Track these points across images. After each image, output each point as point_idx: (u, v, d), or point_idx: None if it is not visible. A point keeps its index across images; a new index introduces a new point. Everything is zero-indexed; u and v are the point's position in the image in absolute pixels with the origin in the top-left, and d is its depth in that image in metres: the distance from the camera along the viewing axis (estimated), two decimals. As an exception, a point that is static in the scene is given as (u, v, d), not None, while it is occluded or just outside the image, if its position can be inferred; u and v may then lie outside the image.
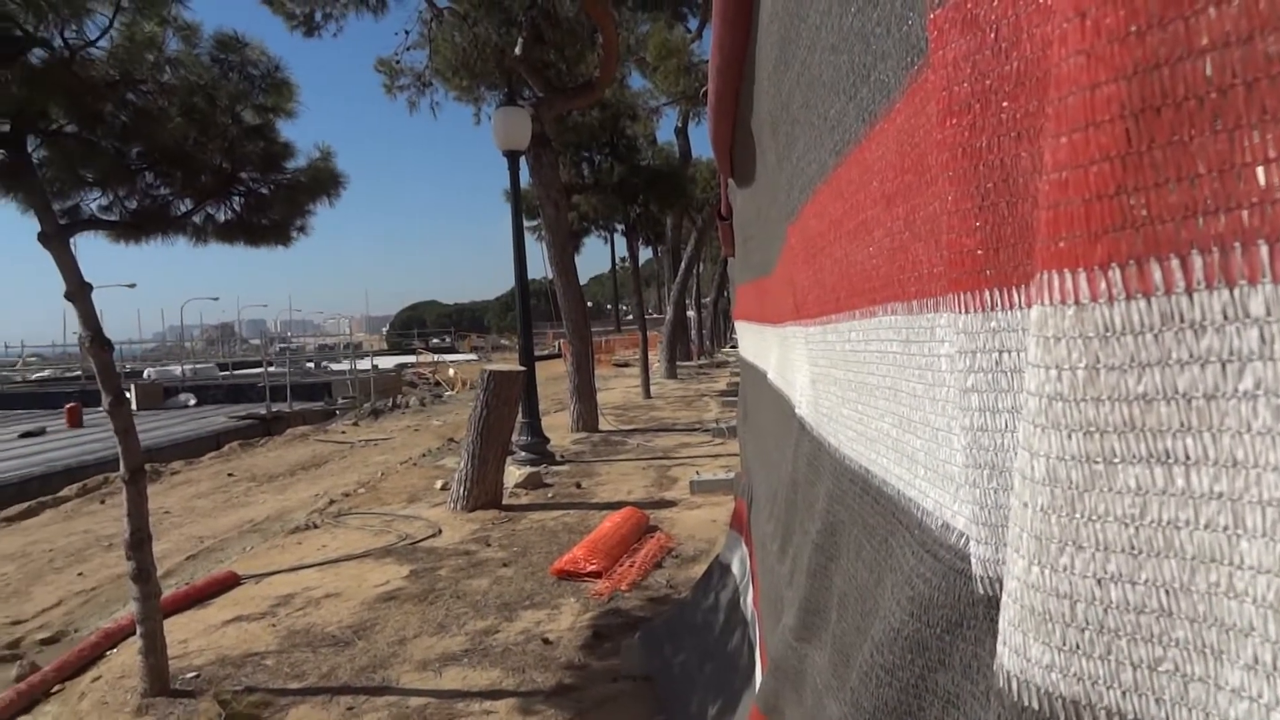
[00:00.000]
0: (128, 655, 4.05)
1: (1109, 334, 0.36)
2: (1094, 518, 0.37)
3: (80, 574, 6.28)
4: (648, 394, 15.49)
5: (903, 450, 0.72)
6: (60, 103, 3.35)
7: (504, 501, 7.11)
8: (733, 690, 2.47)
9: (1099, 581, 0.37)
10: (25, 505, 9.75)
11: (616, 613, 4.39)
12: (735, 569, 3.17)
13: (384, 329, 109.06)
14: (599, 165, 14.11)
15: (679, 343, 22.62)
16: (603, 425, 11.50)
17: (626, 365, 25.75)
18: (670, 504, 6.78)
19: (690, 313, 29.13)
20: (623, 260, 39.94)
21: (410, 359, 41.68)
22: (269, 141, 3.85)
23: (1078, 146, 0.36)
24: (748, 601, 2.61)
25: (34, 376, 38.73)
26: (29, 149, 3.40)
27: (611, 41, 9.99)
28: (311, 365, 36.97)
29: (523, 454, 8.82)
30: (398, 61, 11.55)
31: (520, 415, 8.35)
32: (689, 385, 17.96)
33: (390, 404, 20.07)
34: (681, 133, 18.05)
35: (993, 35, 0.48)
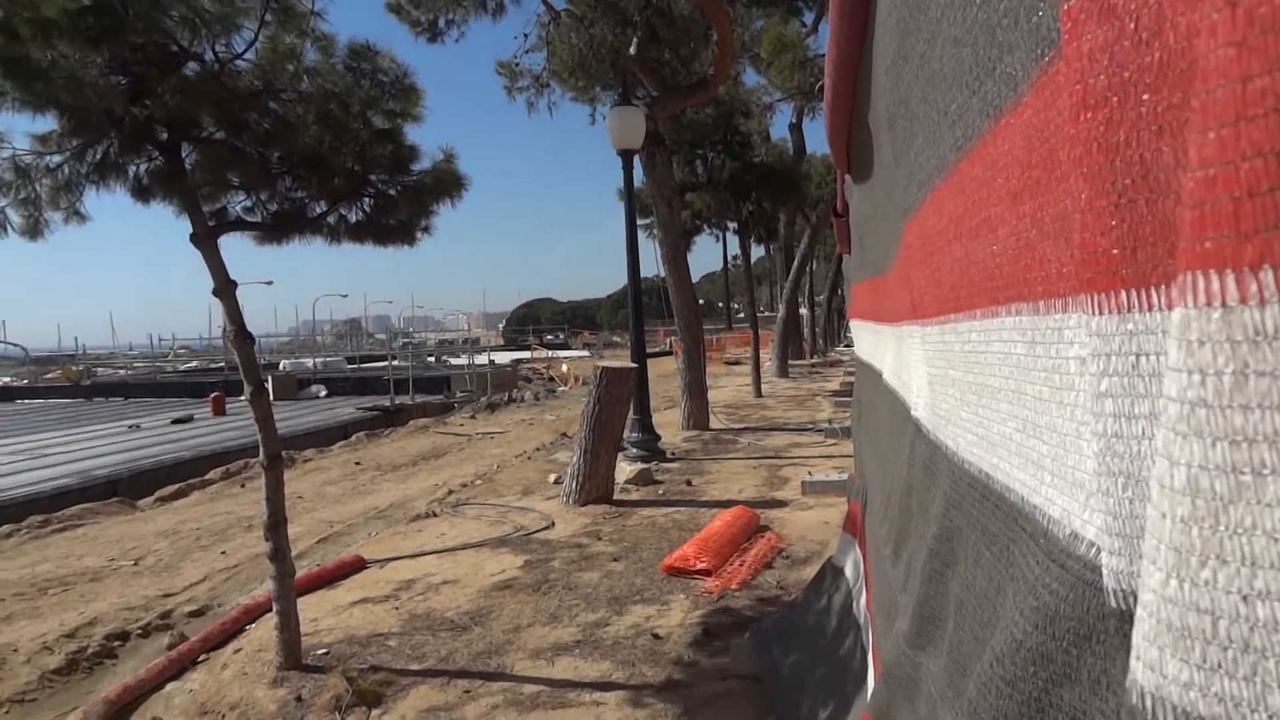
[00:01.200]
0: (265, 630, 4.31)
1: (1259, 338, 0.34)
2: (1240, 531, 0.35)
3: (223, 552, 6.72)
4: (759, 393, 15.37)
5: (1027, 455, 0.70)
6: (210, 112, 3.58)
7: (615, 497, 7.20)
8: (844, 695, 2.43)
9: (1244, 598, 0.35)
10: (176, 487, 10.51)
11: (726, 611, 4.38)
12: (848, 572, 3.12)
13: (501, 325, 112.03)
14: (712, 163, 14.08)
15: (791, 341, 22.34)
16: (713, 423, 11.49)
17: (737, 363, 25.62)
18: (781, 504, 6.71)
19: (803, 311, 28.73)
20: (735, 258, 39.75)
21: (525, 355, 42.68)
22: (397, 145, 4.01)
23: (1227, 142, 0.34)
24: (861, 606, 2.56)
25: (183, 367, 41.62)
26: (183, 155, 3.66)
27: (726, 39, 9.95)
28: (432, 360, 38.36)
29: (634, 450, 8.91)
30: (517, 64, 11.83)
31: (631, 412, 8.43)
32: (801, 384, 17.72)
33: (506, 398, 20.60)
34: (796, 129, 17.80)
35: (1132, 25, 0.46)
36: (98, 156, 3.51)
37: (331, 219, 4.12)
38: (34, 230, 3.51)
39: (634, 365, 7.72)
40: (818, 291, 32.23)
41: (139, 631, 4.86)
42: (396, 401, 19.98)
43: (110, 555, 6.90)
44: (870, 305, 2.59)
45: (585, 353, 43.25)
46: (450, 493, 8.36)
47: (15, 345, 56.64)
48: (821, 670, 2.83)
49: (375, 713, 3.48)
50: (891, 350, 1.99)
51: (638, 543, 5.78)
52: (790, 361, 20.84)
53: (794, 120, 17.83)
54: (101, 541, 7.55)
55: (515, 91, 11.99)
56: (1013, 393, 0.74)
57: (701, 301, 21.59)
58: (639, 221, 11.10)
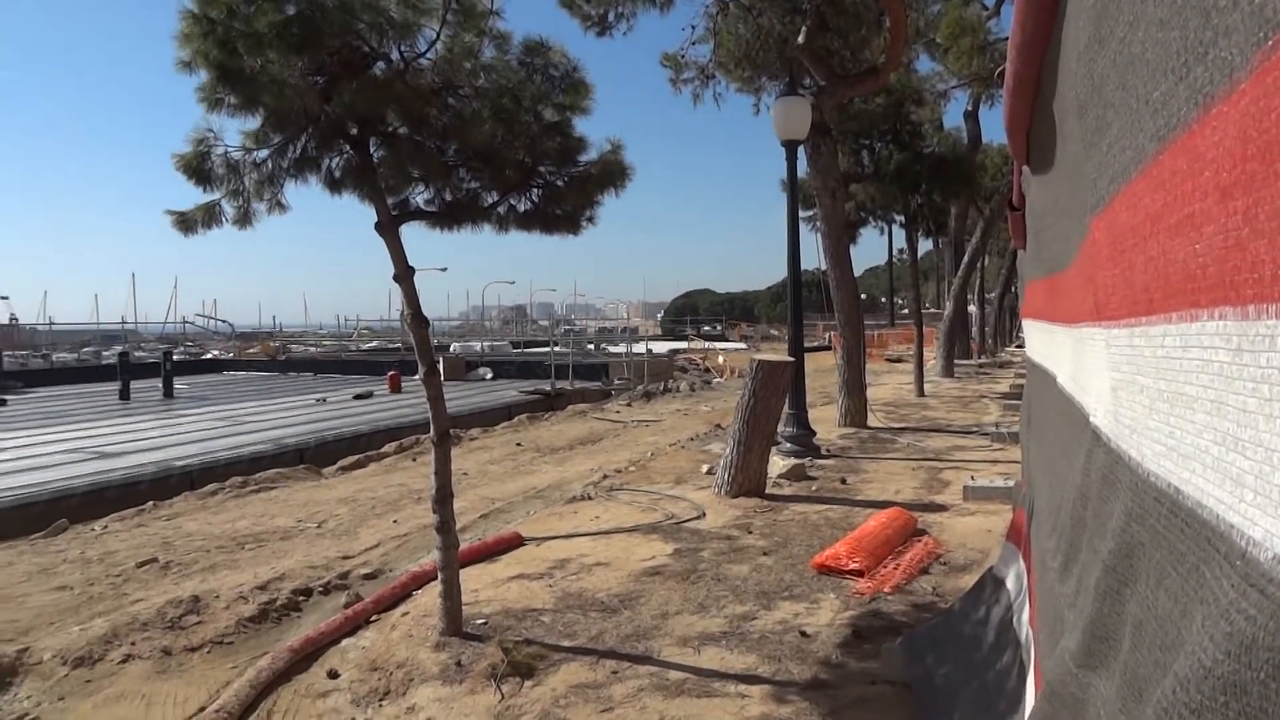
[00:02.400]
0: (430, 597, 4.57)
1: None
2: None
3: (395, 521, 7.17)
4: (921, 392, 14.81)
5: (1226, 471, 0.65)
6: (395, 108, 3.81)
7: (767, 490, 7.15)
8: (997, 711, 2.32)
9: None
10: (355, 457, 11.30)
11: (877, 614, 4.27)
12: (1010, 584, 2.96)
13: (659, 315, 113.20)
14: (879, 153, 13.64)
15: (958, 340, 21.35)
16: (871, 421, 11.17)
17: (899, 361, 24.77)
18: (940, 508, 6.45)
19: (972, 308, 27.39)
20: (900, 252, 38.36)
21: (682, 345, 42.96)
22: (565, 137, 4.13)
23: None
24: (1022, 620, 2.43)
25: (365, 347, 44.55)
26: (370, 150, 3.92)
27: (900, 24, 9.60)
28: (592, 347, 39.29)
29: (788, 445, 8.81)
30: (683, 56, 11.88)
31: (787, 406, 8.33)
32: (967, 385, 16.93)
33: (662, 387, 20.82)
34: (972, 116, 16.96)
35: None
36: (296, 152, 3.81)
37: (502, 208, 4.29)
38: (243, 219, 3.85)
39: (791, 359, 7.62)
40: (988, 288, 30.65)
41: (320, 589, 5.26)
42: (557, 386, 20.61)
43: (298, 517, 7.50)
44: (1045, 304, 2.44)
45: (742, 345, 43.06)
46: (605, 477, 8.55)
47: (224, 321, 62.49)
48: (976, 683, 2.72)
49: (528, 684, 3.63)
50: (1068, 353, 1.87)
51: (788, 538, 5.72)
52: (956, 361, 19.95)
53: (970, 108, 17.00)
54: (291, 504, 8.22)
55: (681, 84, 12.05)
56: (1212, 403, 0.69)
57: (863, 296, 20.98)
58: (802, 213, 10.93)
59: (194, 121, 3.68)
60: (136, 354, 30.04)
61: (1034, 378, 3.15)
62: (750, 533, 5.91)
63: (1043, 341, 2.63)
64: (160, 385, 20.97)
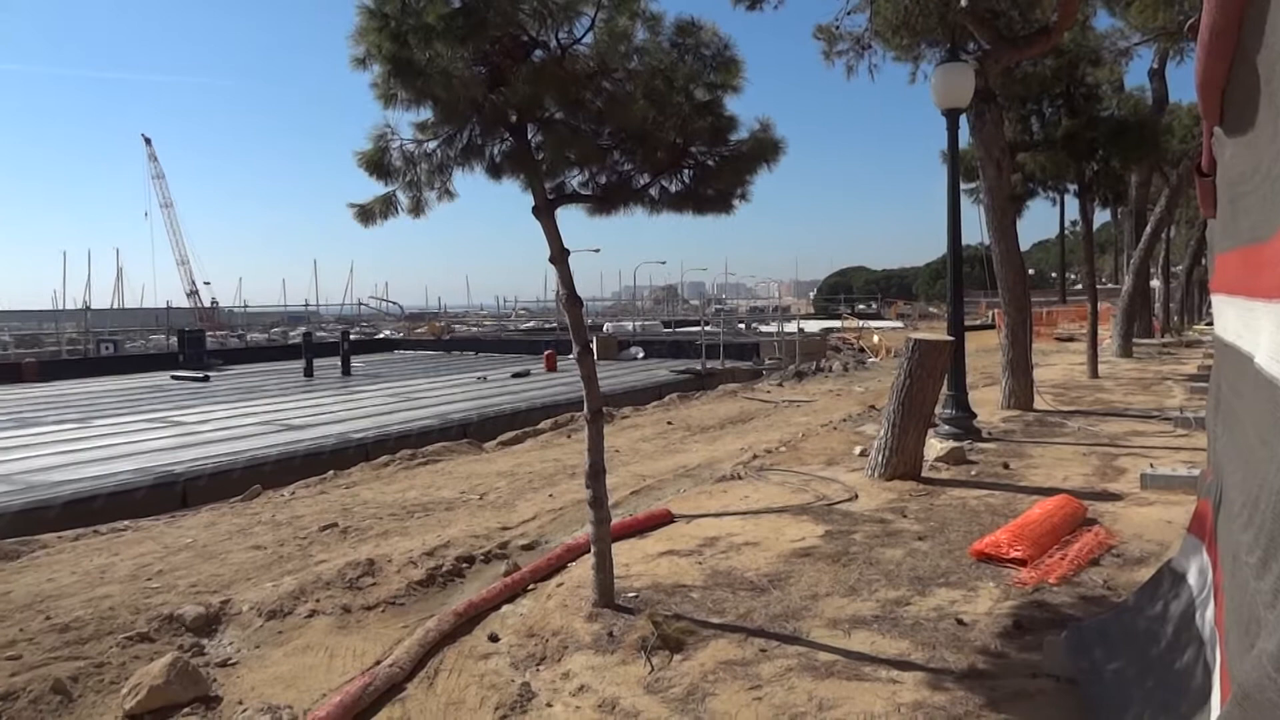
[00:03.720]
0: (583, 569, 4.73)
1: None
2: None
3: (551, 495, 7.43)
4: (1094, 373, 13.87)
5: None
6: (552, 94, 3.92)
7: (923, 474, 6.93)
8: (1179, 713, 2.17)
9: None
10: (514, 433, 11.77)
11: (1041, 605, 4.07)
12: (1192, 579, 2.76)
13: (811, 293, 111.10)
14: (1049, 119, 12.78)
15: (1138, 317, 19.80)
16: (1038, 404, 10.58)
17: (1071, 340, 23.28)
18: (1114, 497, 6.05)
19: (1155, 283, 25.32)
20: (1073, 224, 35.88)
21: (835, 324, 42.03)
22: (716, 116, 4.13)
23: None
24: (1206, 618, 2.26)
25: (523, 327, 46.20)
26: (529, 136, 4.05)
27: (1075, -21, 8.95)
28: (743, 326, 39.12)
29: (946, 427, 8.48)
30: (837, 27, 11.55)
31: (945, 387, 8.03)
32: (1147, 366, 15.71)
33: (814, 367, 20.49)
34: (1157, 75, 15.63)
35: None
36: (463, 141, 3.99)
37: (654, 190, 4.34)
38: (416, 208, 4.08)
39: (950, 338, 7.32)
40: (1175, 261, 28.23)
41: (482, 557, 5.54)
42: (707, 366, 20.68)
43: (461, 489, 7.92)
44: (1241, 277, 2.24)
45: (898, 323, 41.69)
46: (755, 457, 8.53)
47: (395, 303, 66.35)
48: (1151, 682, 2.55)
49: (677, 658, 3.69)
50: (1268, 331, 1.72)
51: (945, 523, 5.53)
52: (1136, 340, 18.54)
53: (1155, 65, 15.67)
54: (455, 476, 8.68)
55: (833, 56, 11.72)
56: None
57: (1031, 272, 19.82)
58: (963, 185, 10.43)
59: (362, 121, 3.93)
60: (318, 334, 32.39)
61: (1226, 358, 2.90)
62: (905, 517, 5.76)
63: (1238, 318, 2.42)
64: (339, 363, 22.54)
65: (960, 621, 3.90)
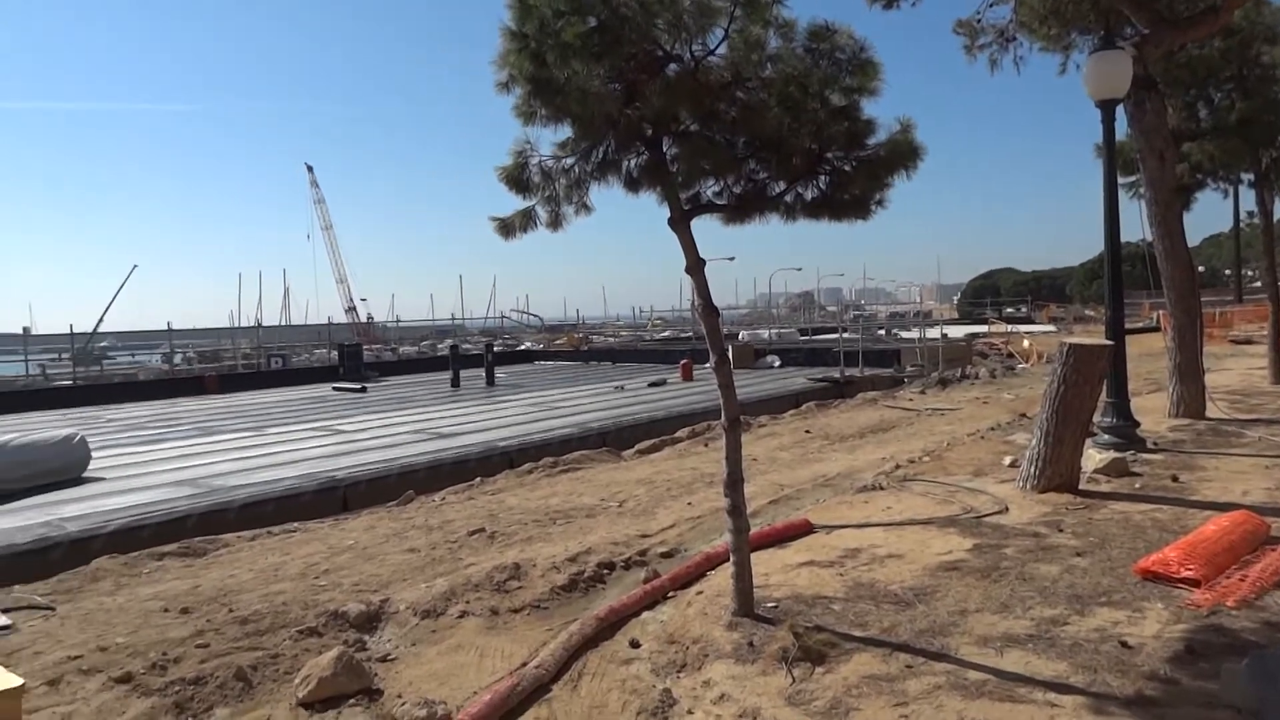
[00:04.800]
0: (722, 578, 4.73)
1: None
2: None
3: (689, 503, 7.47)
4: (1277, 378, 12.71)
5: None
6: (687, 106, 3.98)
7: (1080, 486, 6.55)
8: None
9: None
10: (651, 442, 11.90)
11: (1218, 630, 3.77)
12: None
13: (955, 297, 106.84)
14: (1219, 104, 11.82)
15: (1331, 317, 17.93)
16: (1211, 412, 9.78)
17: (1249, 342, 21.40)
18: (1304, 514, 5.53)
19: (1351, 279, 22.88)
20: (1250, 215, 32.97)
21: (981, 329, 40.25)
22: (853, 121, 4.07)
23: None
24: None
25: (658, 336, 46.63)
26: (664, 148, 4.12)
27: (1247, -48, 8.27)
28: (882, 332, 38.08)
29: (1105, 437, 7.98)
30: (978, 20, 11.10)
31: (1105, 394, 7.56)
32: (1343, 370, 14.22)
33: (959, 374, 19.71)
34: (1350, 49, 14.17)
35: None
36: (600, 156, 4.11)
37: (789, 197, 4.32)
38: (555, 222, 4.23)
39: (1109, 342, 6.90)
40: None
41: (622, 564, 5.64)
42: (846, 373, 20.24)
43: (601, 496, 8.07)
44: None
45: (1051, 327, 39.51)
46: (897, 467, 8.29)
47: (535, 315, 68.39)
48: (1352, 719, 2.32)
49: (819, 670, 3.65)
50: None
51: (1106, 539, 5.21)
52: (1327, 342, 16.81)
53: (1345, 40, 14.22)
54: (594, 484, 8.86)
55: (975, 50, 11.28)
56: None
57: (1200, 269, 18.36)
58: (1121, 179, 9.81)
59: (503, 140, 4.10)
60: (464, 346, 33.77)
61: None
62: (1060, 531, 5.46)
63: None
64: (484, 374, 23.42)
65: (1125, 644, 3.66)
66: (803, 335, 38.35)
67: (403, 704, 3.73)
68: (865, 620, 4.15)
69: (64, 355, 34.50)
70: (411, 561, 6.06)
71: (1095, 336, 8.28)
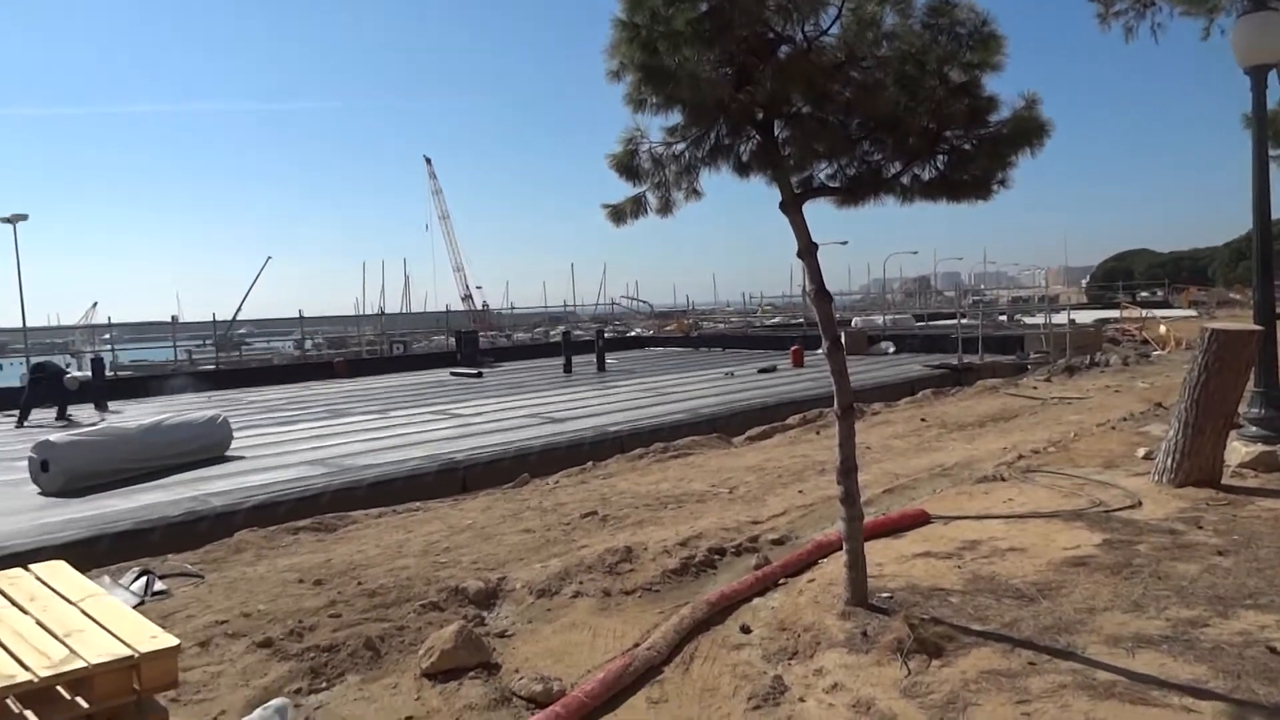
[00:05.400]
0: (835, 566, 4.68)
1: None
2: None
3: (800, 491, 7.40)
4: None
5: None
6: (799, 89, 3.92)
7: (1223, 481, 6.15)
8: None
9: None
10: (762, 428, 11.82)
11: (1382, 639, 3.48)
12: None
13: (1084, 281, 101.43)
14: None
15: None
16: (1377, 403, 8.98)
17: None
18: None
19: None
20: None
21: (1113, 314, 38.11)
22: (973, 98, 3.91)
23: None
24: None
25: (768, 322, 46.19)
26: (775, 132, 4.07)
27: None
28: (1004, 318, 36.57)
29: (1253, 429, 7.45)
30: (1114, -14, 10.47)
31: (1252, 383, 7.06)
32: None
33: (1087, 361, 18.73)
34: None
35: None
36: (710, 142, 4.10)
37: (905, 178, 4.20)
38: (665, 208, 4.25)
39: (1257, 327, 6.43)
40: None
41: (732, 549, 5.64)
42: (964, 360, 19.55)
43: (711, 482, 8.09)
44: None
45: (1190, 312, 37.05)
46: (1020, 457, 7.98)
47: (644, 302, 68.83)
48: None
49: (935, 663, 3.56)
50: None
51: (1252, 537, 4.88)
52: None
53: None
54: (705, 470, 8.88)
55: (1110, 18, 10.66)
56: None
57: (1367, 247, 16.78)
58: (1271, 152, 9.07)
59: (610, 130, 4.14)
60: (575, 333, 34.33)
61: None
62: (1200, 528, 5.14)
63: None
64: (595, 360, 23.75)
65: (1273, 649, 3.44)
66: (918, 321, 37.21)
67: (520, 678, 3.85)
68: (985, 614, 4.03)
69: (207, 341, 36.92)
70: (527, 542, 6.24)
71: (1242, 321, 7.74)
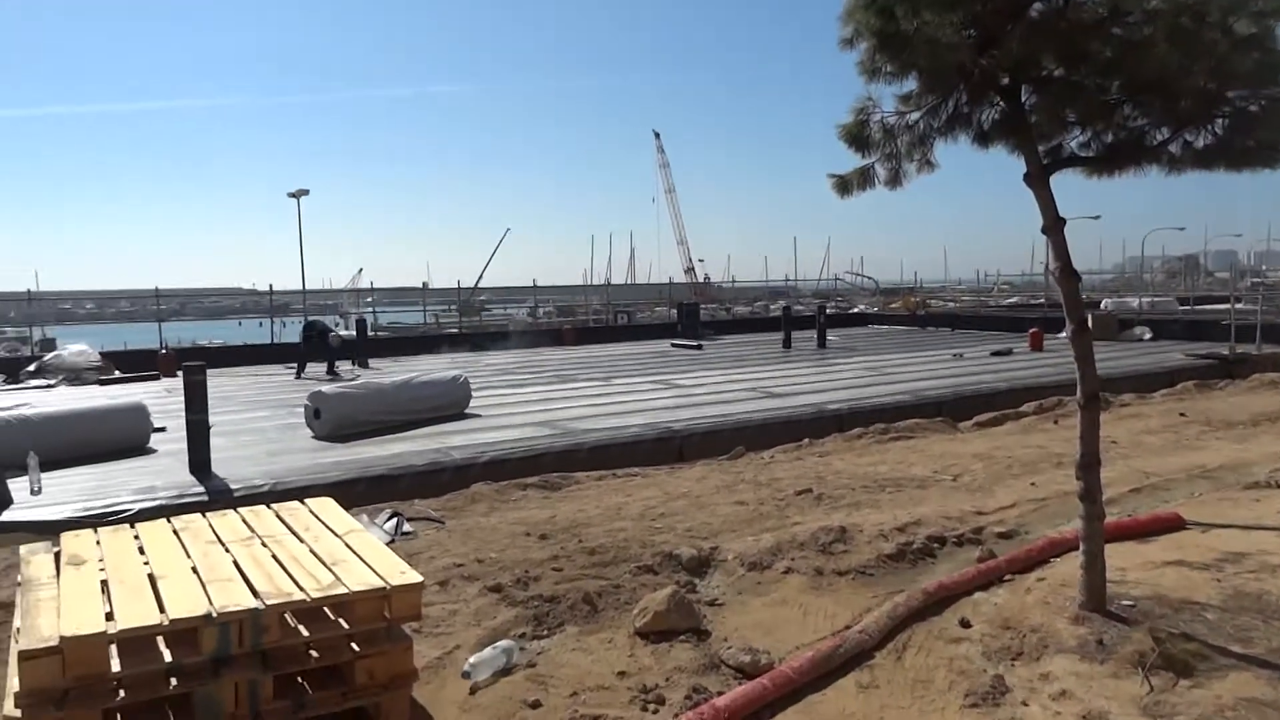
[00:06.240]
0: (1069, 567, 4.35)
1: None
2: None
3: (1033, 483, 6.92)
4: None
5: None
6: (1051, 50, 3.62)
7: None
8: None
9: None
10: (992, 415, 11.15)
11: None
12: None
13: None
14: None
15: None
16: None
17: None
18: None
19: None
20: None
21: None
22: (1264, 52, 3.44)
23: None
24: None
25: (1005, 302, 43.29)
26: (1022, 98, 3.79)
27: None
28: (1291, 303, 32.01)
29: None
30: None
31: None
32: None
33: (1400, 357, 16.01)
34: None
35: None
36: (948, 110, 3.89)
37: (1174, 146, 3.79)
38: (894, 180, 4.10)
39: None
40: None
41: (954, 539, 5.39)
42: (1237, 350, 17.33)
43: (933, 468, 7.75)
44: None
45: None
46: (1303, 463, 7.01)
47: (869, 278, 66.64)
48: None
49: (1184, 683, 3.25)
50: None
51: None
52: None
53: None
54: (927, 454, 8.51)
55: None
56: None
57: None
58: None
59: (835, 101, 4.02)
60: (795, 308, 33.87)
61: None
62: None
63: None
64: (815, 336, 23.35)
65: None
66: (1182, 305, 33.35)
67: (728, 647, 3.92)
68: (1248, 635, 3.60)
69: (452, 307, 39.97)
70: (740, 514, 6.29)
71: None
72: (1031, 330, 21.14)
